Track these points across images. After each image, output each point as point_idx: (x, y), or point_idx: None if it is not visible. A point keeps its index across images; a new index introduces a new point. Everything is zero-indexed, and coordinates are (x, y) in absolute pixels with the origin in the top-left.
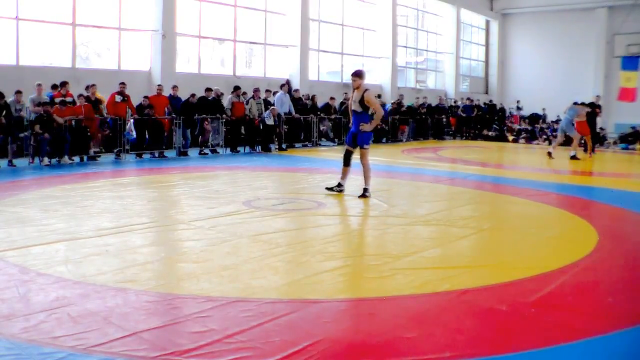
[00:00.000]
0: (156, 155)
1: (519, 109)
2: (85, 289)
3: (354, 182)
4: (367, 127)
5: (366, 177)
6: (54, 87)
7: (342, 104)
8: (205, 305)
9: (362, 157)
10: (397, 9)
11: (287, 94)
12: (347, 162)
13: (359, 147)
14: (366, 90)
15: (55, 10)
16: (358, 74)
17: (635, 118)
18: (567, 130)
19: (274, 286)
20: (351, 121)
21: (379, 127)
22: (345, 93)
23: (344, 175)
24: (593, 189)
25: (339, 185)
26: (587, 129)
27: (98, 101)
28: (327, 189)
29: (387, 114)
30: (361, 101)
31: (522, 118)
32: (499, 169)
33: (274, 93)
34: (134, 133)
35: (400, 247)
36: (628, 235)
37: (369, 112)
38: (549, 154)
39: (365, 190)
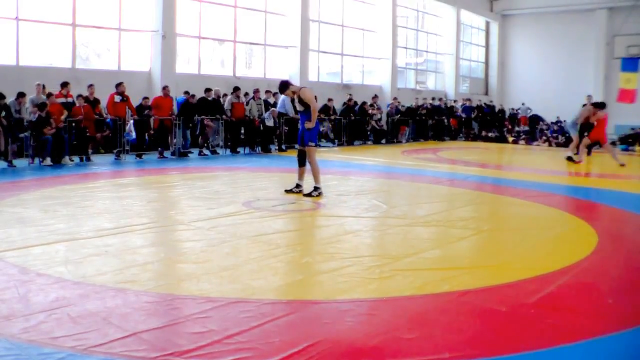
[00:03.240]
0: (165, 155)
1: (528, 109)
2: (85, 289)
3: (348, 182)
4: (309, 125)
5: (314, 176)
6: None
7: (344, 104)
8: (205, 305)
9: (308, 156)
10: (397, 10)
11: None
12: (301, 162)
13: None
14: (301, 89)
15: (55, 10)
16: (282, 87)
17: (635, 119)
18: (570, 131)
19: (273, 287)
20: (299, 121)
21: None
22: (350, 94)
23: (300, 175)
24: (593, 190)
25: (297, 185)
26: (600, 135)
27: (96, 101)
28: (286, 191)
29: (387, 115)
30: (300, 100)
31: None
32: (499, 170)
33: (275, 94)
34: (134, 134)
35: (400, 248)
36: (628, 236)
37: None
38: (569, 158)
39: (315, 188)
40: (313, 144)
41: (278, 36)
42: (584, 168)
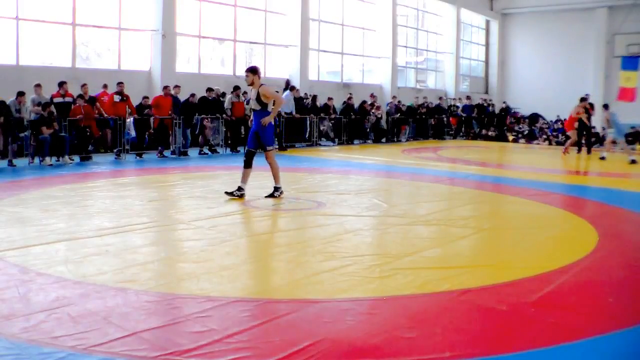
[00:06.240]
0: (165, 154)
1: (509, 108)
2: (85, 289)
3: (348, 181)
4: (267, 119)
5: (275, 176)
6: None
7: (344, 103)
8: (205, 305)
9: (268, 158)
10: (397, 9)
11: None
12: (248, 163)
13: (262, 148)
14: (261, 85)
15: (55, 10)
16: (251, 70)
17: (635, 118)
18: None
19: (274, 286)
20: (251, 120)
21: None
22: (306, 95)
23: (245, 177)
24: (593, 189)
25: (239, 189)
26: (568, 125)
27: (92, 100)
28: (227, 193)
29: (387, 114)
30: (258, 98)
31: (522, 118)
32: (499, 168)
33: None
34: (133, 132)
35: (400, 247)
36: (628, 235)
37: (269, 109)
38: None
39: (275, 189)
40: (271, 147)
41: (278, 35)
42: (585, 167)
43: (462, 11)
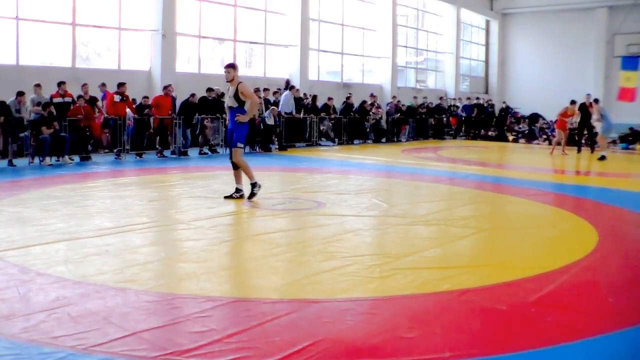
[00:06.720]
0: (165, 154)
1: (509, 108)
2: (85, 288)
3: (348, 181)
4: (242, 118)
5: (247, 174)
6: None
7: (344, 103)
8: (205, 305)
9: (235, 156)
10: (397, 9)
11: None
12: (236, 164)
13: (233, 144)
14: (240, 83)
15: (55, 10)
16: (231, 65)
17: (635, 118)
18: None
19: (274, 286)
20: (227, 118)
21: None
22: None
23: (238, 178)
24: (593, 189)
25: (237, 190)
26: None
27: (93, 100)
28: (226, 197)
29: (387, 114)
30: (236, 95)
31: (522, 118)
32: (499, 168)
33: (274, 93)
34: (132, 124)
35: (400, 247)
36: (628, 235)
37: (245, 107)
38: (603, 157)
39: (253, 186)
40: (241, 145)
41: (278, 35)
42: (585, 166)
43: (462, 11)
